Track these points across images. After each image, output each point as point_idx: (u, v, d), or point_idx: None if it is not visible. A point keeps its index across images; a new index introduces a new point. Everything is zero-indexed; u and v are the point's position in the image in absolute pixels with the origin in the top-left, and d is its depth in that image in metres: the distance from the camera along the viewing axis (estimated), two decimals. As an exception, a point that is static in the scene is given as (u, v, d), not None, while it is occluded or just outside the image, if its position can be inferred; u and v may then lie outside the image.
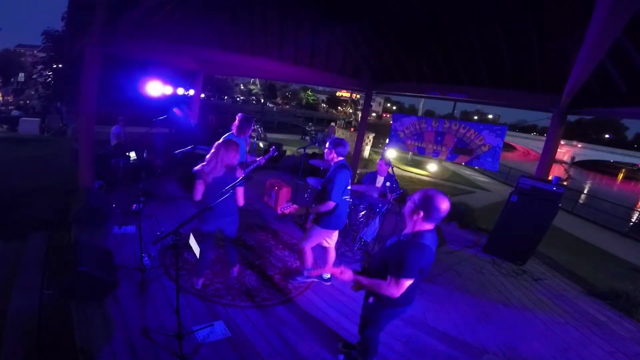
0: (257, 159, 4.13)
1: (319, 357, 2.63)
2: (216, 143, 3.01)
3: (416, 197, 1.99)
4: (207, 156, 2.94)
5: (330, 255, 3.59)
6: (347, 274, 2.10)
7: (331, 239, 3.49)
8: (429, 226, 1.97)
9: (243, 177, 2.94)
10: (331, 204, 3.03)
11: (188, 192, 5.29)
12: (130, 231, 4.14)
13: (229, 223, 3.19)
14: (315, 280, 3.67)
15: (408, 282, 1.92)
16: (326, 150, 3.20)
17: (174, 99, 7.42)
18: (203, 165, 2.92)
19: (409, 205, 2.02)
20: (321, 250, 3.67)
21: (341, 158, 3.19)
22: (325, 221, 3.17)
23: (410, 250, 1.90)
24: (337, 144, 3.13)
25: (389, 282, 1.94)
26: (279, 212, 3.12)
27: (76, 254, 2.75)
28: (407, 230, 2.05)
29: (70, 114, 12.38)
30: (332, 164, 3.19)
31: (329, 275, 3.76)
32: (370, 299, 2.21)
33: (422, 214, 1.92)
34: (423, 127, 7.33)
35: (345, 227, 4.67)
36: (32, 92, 21.37)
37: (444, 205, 1.91)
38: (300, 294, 3.44)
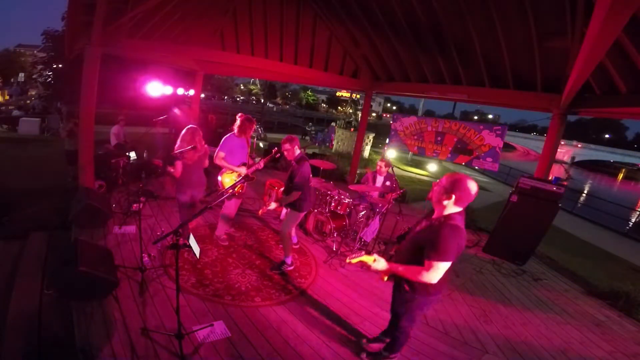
0: (258, 161, 4.13)
1: (319, 357, 2.63)
2: (187, 130, 3.57)
3: (445, 181, 1.99)
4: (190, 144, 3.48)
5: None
6: (381, 263, 2.06)
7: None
8: (458, 209, 1.97)
9: (243, 177, 2.97)
10: (298, 193, 3.48)
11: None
12: (130, 231, 4.15)
13: (198, 192, 3.84)
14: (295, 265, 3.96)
15: (446, 266, 1.89)
16: (288, 149, 3.57)
17: (174, 99, 7.42)
18: (185, 150, 3.47)
19: (437, 190, 2.01)
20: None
21: (298, 151, 3.58)
22: (299, 206, 3.64)
23: (446, 232, 1.87)
24: (291, 140, 3.57)
25: (427, 266, 1.91)
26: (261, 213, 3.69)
27: (76, 253, 2.75)
28: (437, 215, 2.03)
29: (70, 114, 12.40)
30: (293, 158, 3.57)
31: (295, 240, 4.37)
32: (403, 289, 2.15)
33: (453, 197, 1.92)
34: (423, 127, 7.33)
35: (346, 228, 4.69)
36: (34, 92, 21.40)
37: (474, 187, 1.92)
38: (300, 293, 3.44)
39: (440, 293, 2.16)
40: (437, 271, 1.89)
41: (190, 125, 3.68)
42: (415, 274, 1.96)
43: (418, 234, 2.10)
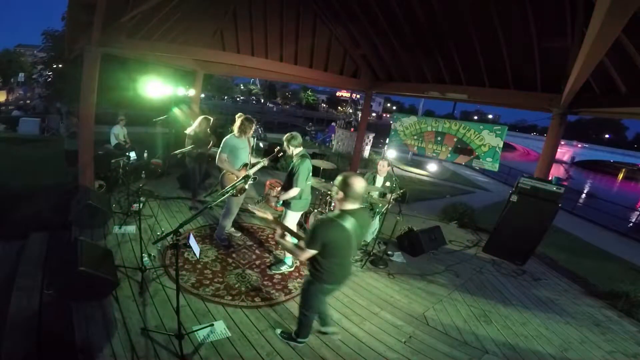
0: (261, 161, 4.12)
1: (319, 357, 2.63)
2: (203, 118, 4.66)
3: (336, 181, 2.21)
4: None
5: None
6: (279, 227, 2.43)
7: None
8: (351, 206, 2.17)
9: (243, 177, 2.98)
10: (297, 190, 3.43)
11: (188, 192, 5.29)
12: (130, 231, 4.15)
13: None
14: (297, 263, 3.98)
15: (310, 252, 2.15)
16: (284, 145, 3.60)
17: (173, 99, 7.42)
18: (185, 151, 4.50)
19: (334, 189, 2.23)
20: None
21: (300, 149, 3.56)
22: (295, 205, 3.58)
23: (319, 224, 2.15)
24: (291, 138, 3.54)
25: (300, 246, 2.22)
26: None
27: (76, 253, 2.75)
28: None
29: (70, 114, 12.40)
30: (294, 155, 3.57)
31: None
32: (305, 275, 2.43)
33: (341, 194, 2.14)
34: (423, 127, 7.33)
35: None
36: (35, 91, 21.37)
37: (358, 183, 2.13)
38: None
39: (336, 284, 2.38)
40: (303, 253, 2.17)
41: (204, 116, 4.76)
42: (295, 250, 2.26)
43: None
